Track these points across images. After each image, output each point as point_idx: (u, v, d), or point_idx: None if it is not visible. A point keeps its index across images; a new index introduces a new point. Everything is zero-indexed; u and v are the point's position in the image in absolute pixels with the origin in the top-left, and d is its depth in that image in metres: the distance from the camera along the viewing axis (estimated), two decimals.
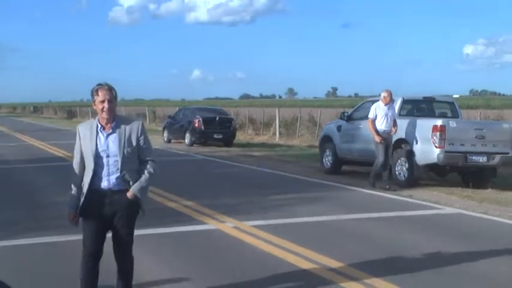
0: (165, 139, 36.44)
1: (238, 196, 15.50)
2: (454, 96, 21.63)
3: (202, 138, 33.07)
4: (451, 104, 20.51)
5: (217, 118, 33.73)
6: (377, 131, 17.38)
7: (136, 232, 6.58)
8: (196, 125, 32.59)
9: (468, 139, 17.13)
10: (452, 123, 17.62)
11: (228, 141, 33.48)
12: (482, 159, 16.86)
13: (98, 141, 6.18)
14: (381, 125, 17.37)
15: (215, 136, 33.03)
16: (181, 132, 34.15)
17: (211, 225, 11.79)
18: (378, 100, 19.46)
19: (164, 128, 38.09)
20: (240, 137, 37.96)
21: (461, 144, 17.09)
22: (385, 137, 17.34)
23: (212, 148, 31.23)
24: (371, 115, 17.52)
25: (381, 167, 17.24)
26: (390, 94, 17.59)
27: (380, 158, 17.19)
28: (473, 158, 17.07)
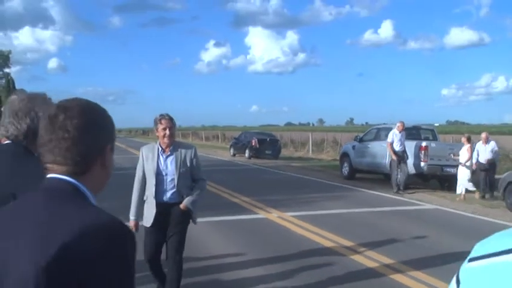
0: (231, 153, 36.42)
1: (281, 194, 15.48)
2: (435, 124, 21.21)
3: (257, 153, 32.93)
4: (432, 130, 20.52)
5: (268, 139, 33.84)
6: (394, 151, 17.13)
7: (211, 219, 6.67)
8: (253, 144, 32.69)
9: (444, 156, 17.40)
10: (433, 144, 18.03)
11: (275, 155, 33.19)
12: (453, 170, 16.77)
13: (158, 161, 5.74)
14: (397, 147, 17.17)
15: (266, 152, 32.77)
16: (243, 149, 34.22)
17: (261, 215, 11.86)
18: (381, 127, 19.45)
19: (231, 146, 38.18)
20: (284, 152, 37.84)
21: (439, 159, 17.37)
22: (400, 155, 17.14)
23: (264, 160, 31.19)
24: (389, 139, 17.36)
25: (395, 178, 17.05)
26: (403, 124, 17.46)
27: (394, 172, 17.11)
28: (447, 169, 17.30)
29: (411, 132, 19.38)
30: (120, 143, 53.94)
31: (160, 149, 5.77)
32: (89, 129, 1.57)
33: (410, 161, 17.34)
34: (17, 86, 57.51)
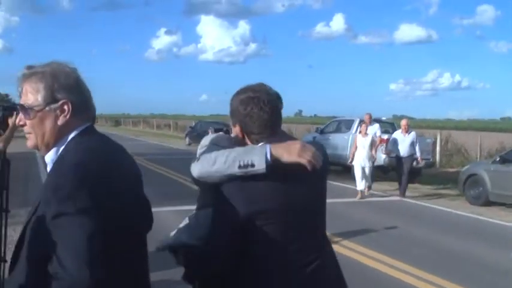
0: (187, 143, 36.42)
1: None
2: (383, 118, 21.90)
3: None
4: (392, 124, 20.92)
5: (224, 129, 33.83)
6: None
7: (179, 208, 6.77)
8: (210, 133, 32.74)
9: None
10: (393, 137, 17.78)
11: None
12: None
13: None
14: (402, 150, 15.24)
15: None
16: (199, 138, 34.19)
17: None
18: (342, 120, 19.88)
19: (186, 135, 38.27)
20: None
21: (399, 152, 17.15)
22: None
23: None
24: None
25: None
26: (370, 116, 16.63)
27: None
28: None
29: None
30: None
31: None
32: None
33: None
34: None
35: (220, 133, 2.81)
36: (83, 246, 1.72)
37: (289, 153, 2.25)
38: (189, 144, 35.90)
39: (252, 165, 2.23)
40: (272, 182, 2.25)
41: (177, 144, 36.44)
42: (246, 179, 2.23)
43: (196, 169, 2.34)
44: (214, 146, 2.53)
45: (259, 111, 2.38)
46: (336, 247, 8.14)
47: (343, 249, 8.34)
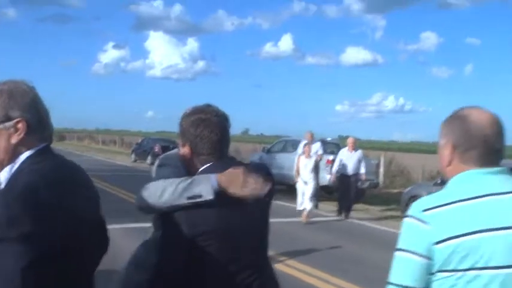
0: (132, 159, 36.14)
1: None
2: (328, 139, 22.13)
3: None
4: (337, 145, 21.07)
5: (170, 146, 33.77)
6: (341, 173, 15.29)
7: (129, 226, 6.73)
8: (156, 150, 32.49)
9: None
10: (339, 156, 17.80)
11: None
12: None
13: None
14: (349, 167, 15.20)
15: None
16: (145, 155, 34.03)
17: None
18: (288, 140, 20.01)
19: (132, 152, 37.92)
20: None
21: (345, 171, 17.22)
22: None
23: None
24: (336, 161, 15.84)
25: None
26: (311, 134, 16.25)
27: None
28: None
29: None
30: None
31: None
32: None
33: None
34: None
35: (173, 151, 2.86)
36: (15, 276, 1.69)
37: (233, 185, 2.34)
38: (135, 160, 35.60)
39: (200, 196, 2.32)
40: (215, 206, 2.34)
41: (123, 161, 36.05)
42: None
43: (142, 200, 2.41)
44: (163, 167, 2.62)
45: (210, 133, 2.47)
46: (280, 266, 8.27)
47: (288, 268, 8.40)
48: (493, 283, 1.80)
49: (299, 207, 14.08)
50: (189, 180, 2.38)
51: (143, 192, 2.41)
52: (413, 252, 1.87)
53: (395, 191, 22.27)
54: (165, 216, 2.39)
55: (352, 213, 15.22)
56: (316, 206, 14.72)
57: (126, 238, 8.88)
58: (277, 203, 16.81)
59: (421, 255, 1.85)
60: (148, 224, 2.81)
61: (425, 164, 24.94)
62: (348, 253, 10.09)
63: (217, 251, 2.35)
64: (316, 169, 14.38)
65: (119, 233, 9.57)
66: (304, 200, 13.93)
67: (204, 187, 2.33)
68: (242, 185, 2.33)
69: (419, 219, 1.87)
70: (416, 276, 1.85)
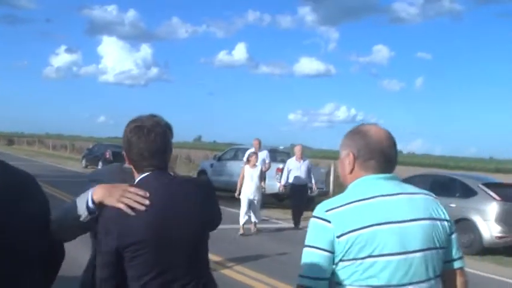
0: (83, 165, 35.64)
1: None
2: (281, 147, 22.30)
3: None
4: (287, 153, 21.16)
5: (122, 152, 33.35)
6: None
7: None
8: (107, 156, 32.07)
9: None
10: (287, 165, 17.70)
11: None
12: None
13: None
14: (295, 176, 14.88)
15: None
16: (96, 160, 33.56)
17: None
18: (240, 148, 20.09)
19: (83, 157, 37.37)
20: None
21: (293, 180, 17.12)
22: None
23: None
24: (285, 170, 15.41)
25: None
26: (259, 142, 16.23)
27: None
28: None
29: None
30: None
31: None
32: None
33: (267, 182, 17.43)
34: None
35: (105, 167, 2.90)
36: None
37: (110, 196, 2.32)
38: (86, 166, 35.13)
39: (79, 217, 2.32)
40: (145, 216, 2.31)
41: (74, 167, 35.53)
42: (121, 214, 2.29)
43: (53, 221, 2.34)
44: (90, 184, 2.60)
45: (138, 139, 2.47)
46: (228, 272, 8.40)
47: (235, 273, 8.55)
48: (387, 268, 2.11)
49: (242, 220, 13.15)
50: (75, 199, 2.38)
51: (54, 213, 2.36)
52: (319, 248, 2.13)
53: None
54: (94, 234, 2.41)
55: (303, 222, 14.79)
56: (259, 218, 13.70)
57: (78, 245, 8.82)
58: (226, 210, 16.84)
59: (326, 250, 2.12)
60: None
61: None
62: (295, 260, 10.22)
63: (150, 260, 2.32)
64: (261, 179, 13.60)
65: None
66: (251, 213, 13.32)
67: (81, 206, 2.32)
68: (119, 198, 2.29)
69: (323, 219, 2.16)
70: (323, 268, 2.13)
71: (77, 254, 4.13)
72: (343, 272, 2.14)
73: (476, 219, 12.81)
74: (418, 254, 2.17)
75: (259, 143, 16.25)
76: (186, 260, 2.44)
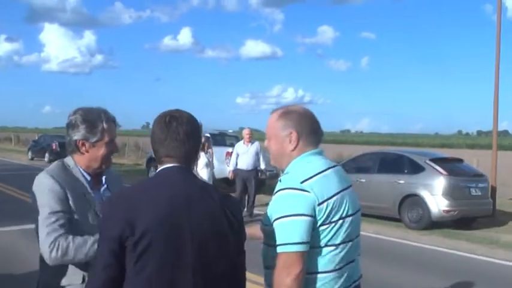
0: (29, 157, 34.94)
1: None
2: (230, 131, 22.12)
3: (58, 157, 31.25)
4: (236, 137, 21.06)
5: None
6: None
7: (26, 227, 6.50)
8: (54, 148, 31.55)
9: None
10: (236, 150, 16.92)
11: None
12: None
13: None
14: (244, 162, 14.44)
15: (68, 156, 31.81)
16: (42, 152, 32.95)
17: None
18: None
19: (29, 149, 36.60)
20: None
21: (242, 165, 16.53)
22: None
23: None
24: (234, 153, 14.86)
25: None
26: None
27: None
28: None
29: (216, 139, 20.05)
30: None
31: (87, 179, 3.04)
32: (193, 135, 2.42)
33: (217, 166, 17.11)
34: None
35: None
36: None
37: None
38: (32, 158, 34.50)
39: None
40: (156, 206, 2.26)
41: (19, 159, 34.78)
42: (131, 201, 2.29)
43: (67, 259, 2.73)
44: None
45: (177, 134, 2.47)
46: None
47: None
48: (350, 226, 2.56)
49: None
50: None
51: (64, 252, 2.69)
52: (304, 214, 2.42)
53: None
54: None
55: (256, 209, 14.71)
56: None
57: (23, 239, 8.64)
58: None
59: (310, 215, 2.43)
60: None
61: (325, 152, 25.42)
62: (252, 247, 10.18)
63: (157, 254, 2.19)
64: (208, 166, 12.97)
65: (17, 234, 9.30)
66: None
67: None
68: None
69: (300, 189, 2.46)
70: (308, 232, 2.42)
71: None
72: (320, 234, 2.48)
73: (425, 194, 13.10)
74: (356, 214, 2.65)
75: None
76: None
